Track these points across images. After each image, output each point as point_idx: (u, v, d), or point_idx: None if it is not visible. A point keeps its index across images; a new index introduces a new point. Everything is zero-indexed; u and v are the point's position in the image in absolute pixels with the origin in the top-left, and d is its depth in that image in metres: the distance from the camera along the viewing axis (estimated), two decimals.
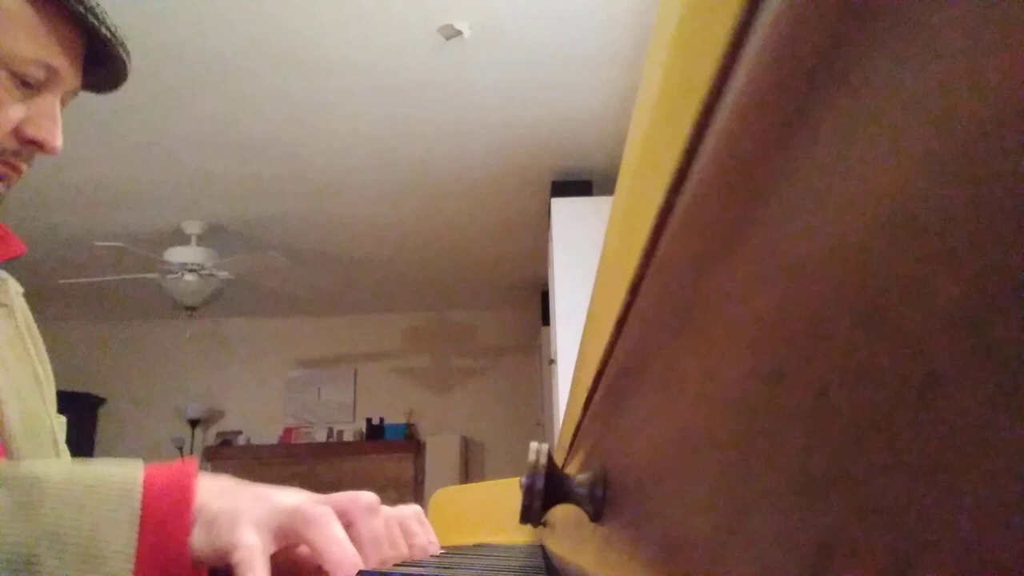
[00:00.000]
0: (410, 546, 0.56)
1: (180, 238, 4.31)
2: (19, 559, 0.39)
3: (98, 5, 0.64)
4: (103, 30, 0.65)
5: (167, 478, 0.44)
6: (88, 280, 4.57)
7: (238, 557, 0.40)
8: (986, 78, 0.08)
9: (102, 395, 5.93)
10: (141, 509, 0.42)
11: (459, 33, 2.68)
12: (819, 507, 0.11)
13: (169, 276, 4.24)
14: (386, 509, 0.54)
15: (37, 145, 0.65)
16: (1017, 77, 0.08)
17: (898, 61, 0.10)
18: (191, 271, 4.21)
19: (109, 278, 4.49)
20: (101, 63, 0.69)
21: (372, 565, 0.46)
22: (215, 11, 2.58)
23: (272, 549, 0.42)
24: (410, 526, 0.58)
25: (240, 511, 0.42)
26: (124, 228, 4.30)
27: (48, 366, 0.75)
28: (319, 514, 0.43)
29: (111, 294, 5.23)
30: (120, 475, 0.43)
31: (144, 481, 0.43)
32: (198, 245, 4.26)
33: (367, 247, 4.79)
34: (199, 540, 0.42)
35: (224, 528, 0.42)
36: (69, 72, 0.65)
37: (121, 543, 0.41)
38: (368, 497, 0.49)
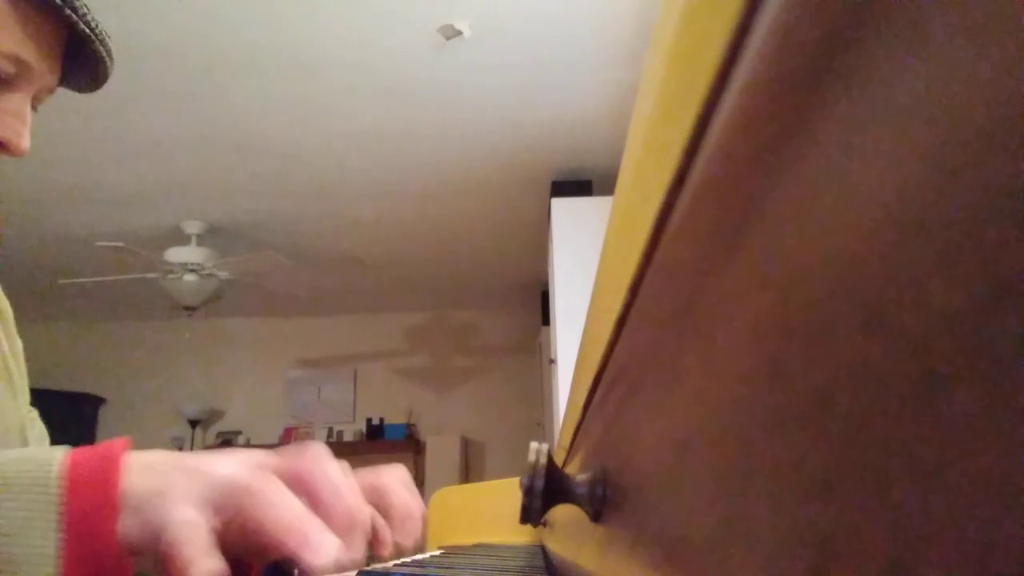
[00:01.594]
0: (388, 507, 0.49)
1: (180, 238, 4.31)
2: None
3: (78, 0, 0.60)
4: (81, 26, 0.61)
5: (90, 464, 0.39)
6: (88, 280, 4.57)
7: (171, 536, 0.35)
8: (986, 78, 0.08)
9: (102, 395, 5.93)
10: (61, 503, 0.37)
11: (459, 33, 2.68)
12: (819, 507, 0.11)
13: (169, 276, 4.24)
14: (359, 471, 0.47)
15: (0, 145, 0.60)
16: (1017, 77, 0.08)
17: (898, 61, 0.10)
18: (191, 271, 4.21)
19: (109, 278, 4.49)
20: (80, 60, 0.65)
21: (340, 523, 0.39)
22: (215, 11, 2.58)
23: (213, 525, 0.37)
24: (386, 486, 0.50)
25: (171, 490, 0.37)
26: (124, 228, 4.30)
27: (21, 357, 0.71)
28: (259, 481, 0.37)
29: (111, 294, 5.23)
30: (37, 467, 0.38)
31: (64, 470, 0.38)
32: (198, 245, 4.26)
33: (367, 247, 4.79)
34: (131, 529, 0.37)
35: (154, 511, 0.37)
36: (43, 68, 0.61)
37: (42, 543, 0.36)
38: (316, 446, 0.41)
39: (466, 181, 3.87)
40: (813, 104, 0.14)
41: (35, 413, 0.72)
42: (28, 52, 0.59)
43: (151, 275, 4.30)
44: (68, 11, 0.59)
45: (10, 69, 0.59)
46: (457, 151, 3.56)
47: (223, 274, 4.31)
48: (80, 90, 0.68)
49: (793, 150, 0.15)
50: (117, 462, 0.38)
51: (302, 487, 0.39)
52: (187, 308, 4.39)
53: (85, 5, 0.61)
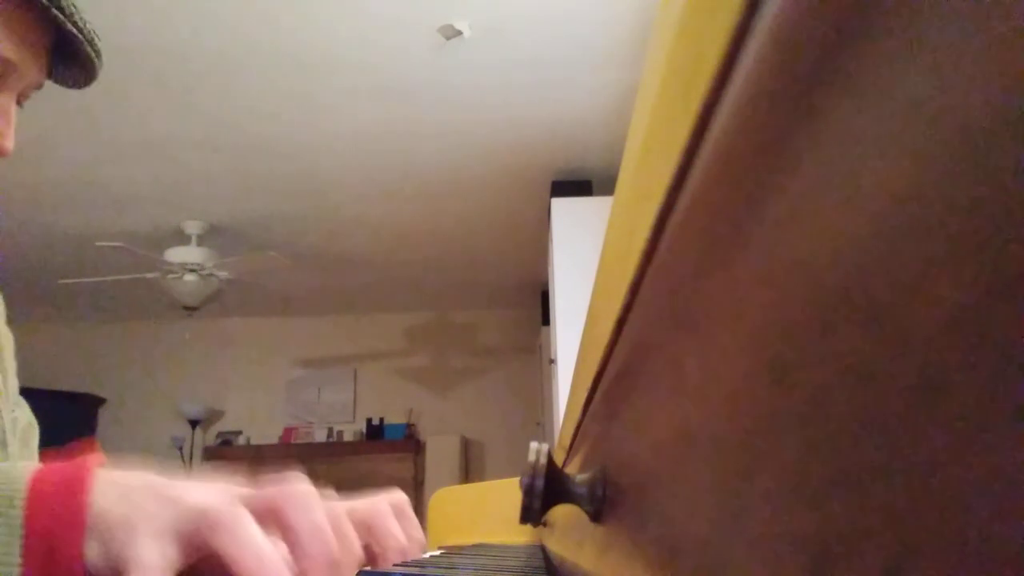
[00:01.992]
0: (384, 549, 0.47)
1: (180, 238, 4.31)
2: None
3: None
4: (68, 26, 0.60)
5: (58, 483, 0.37)
6: (88, 280, 4.57)
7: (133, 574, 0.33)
8: (987, 78, 0.08)
9: (102, 395, 5.93)
10: (24, 524, 0.35)
11: (459, 33, 2.68)
12: (819, 507, 0.11)
13: (169, 276, 4.24)
14: (354, 503, 0.46)
15: None
16: (1017, 77, 0.08)
17: (898, 60, 0.10)
18: (191, 271, 4.21)
19: (109, 278, 4.49)
20: (70, 58, 0.64)
21: (320, 569, 0.36)
22: (215, 11, 2.58)
23: (178, 562, 0.35)
24: (383, 524, 0.48)
25: (139, 519, 0.35)
26: (124, 228, 4.30)
27: (9, 351, 0.70)
28: (229, 516, 0.35)
29: (111, 294, 5.23)
30: (3, 485, 0.37)
31: (29, 489, 0.36)
32: (198, 245, 4.26)
33: (367, 247, 4.79)
34: (96, 556, 0.35)
35: (120, 541, 0.35)
36: (29, 67, 0.60)
37: (2, 565, 0.35)
38: (299, 484, 0.38)
39: (466, 181, 3.87)
40: (813, 104, 0.14)
41: (24, 407, 0.70)
42: (12, 52, 0.58)
43: (151, 275, 4.30)
44: (55, 11, 0.58)
45: None
46: (457, 151, 3.56)
47: (223, 274, 4.31)
48: (70, 86, 0.67)
49: (793, 150, 0.15)
50: (85, 483, 0.37)
51: (279, 524, 0.37)
52: (187, 308, 4.39)
53: (73, 4, 0.60)
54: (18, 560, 0.35)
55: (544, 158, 3.62)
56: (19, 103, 0.63)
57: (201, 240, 4.30)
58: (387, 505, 0.49)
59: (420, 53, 2.82)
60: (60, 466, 0.38)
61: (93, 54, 0.63)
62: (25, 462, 0.39)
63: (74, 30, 0.60)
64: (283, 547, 0.36)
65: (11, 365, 0.70)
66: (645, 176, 0.27)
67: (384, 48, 2.80)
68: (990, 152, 0.08)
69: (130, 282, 4.52)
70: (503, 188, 3.95)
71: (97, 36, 0.63)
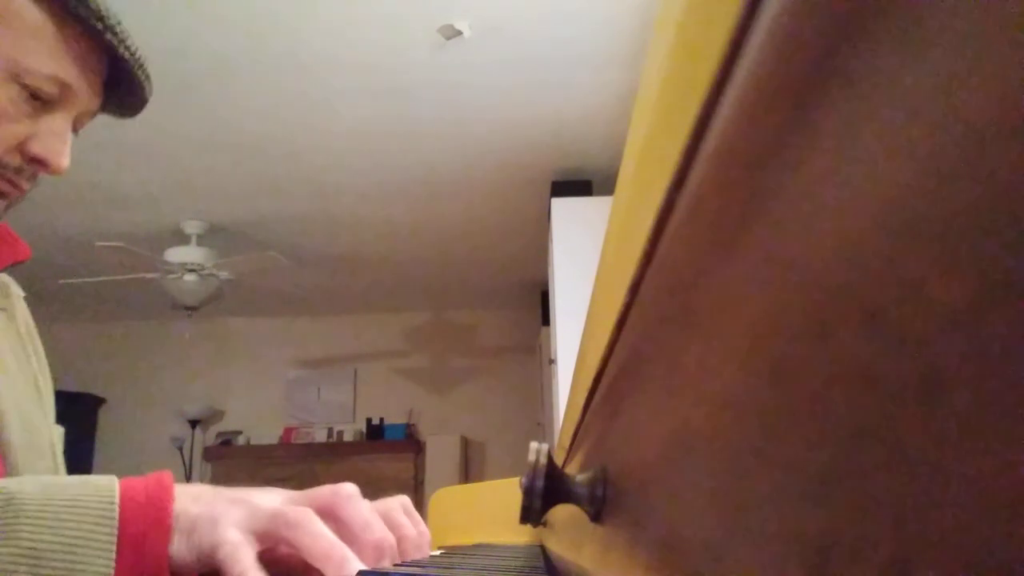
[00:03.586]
0: (398, 539, 0.52)
1: (180, 238, 4.31)
2: None
3: (119, 24, 0.62)
4: (122, 50, 0.63)
5: (144, 491, 0.43)
6: (88, 280, 4.57)
7: (224, 552, 0.40)
8: (987, 77, 0.08)
9: (102, 395, 5.92)
10: (119, 525, 0.41)
11: (459, 33, 2.68)
12: (819, 507, 0.11)
13: (169, 276, 4.24)
14: (369, 503, 0.51)
15: (40, 163, 0.63)
16: (1018, 76, 0.08)
17: (899, 60, 0.10)
18: (191, 271, 4.20)
19: (109, 278, 4.49)
20: (120, 85, 0.67)
21: (370, 552, 0.45)
22: (215, 11, 2.58)
23: (256, 548, 0.42)
24: (395, 518, 0.54)
25: (219, 514, 0.42)
26: (124, 228, 4.30)
27: (47, 373, 0.74)
28: (300, 514, 0.42)
29: (111, 294, 5.23)
30: (97, 491, 0.42)
31: (121, 496, 0.42)
32: (198, 245, 4.26)
33: (367, 247, 4.79)
34: (179, 548, 0.41)
35: (205, 532, 0.41)
36: (85, 92, 0.63)
37: (100, 562, 0.40)
38: (347, 487, 0.47)
39: (466, 181, 3.87)
40: (813, 104, 0.14)
41: (61, 431, 0.73)
42: (70, 75, 0.61)
43: (151, 275, 4.30)
44: (109, 36, 0.62)
45: (53, 90, 0.61)
46: (457, 151, 3.56)
47: (223, 274, 4.31)
48: (119, 115, 0.72)
49: (793, 150, 0.15)
50: (170, 489, 0.43)
51: (335, 521, 0.44)
52: (187, 308, 4.39)
53: (125, 30, 0.63)
54: (113, 552, 0.40)
55: (544, 158, 3.62)
56: (75, 130, 0.66)
57: (201, 240, 4.29)
58: (397, 504, 0.56)
59: (420, 53, 2.82)
60: (142, 478, 0.45)
61: (143, 79, 0.67)
62: (103, 475, 0.45)
63: (126, 54, 0.63)
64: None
65: (49, 386, 0.74)
66: (645, 176, 0.27)
67: (384, 48, 2.80)
68: (990, 152, 0.08)
69: (130, 282, 4.52)
70: (503, 188, 3.95)
71: (147, 61, 0.66)
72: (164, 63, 2.81)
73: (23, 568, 0.38)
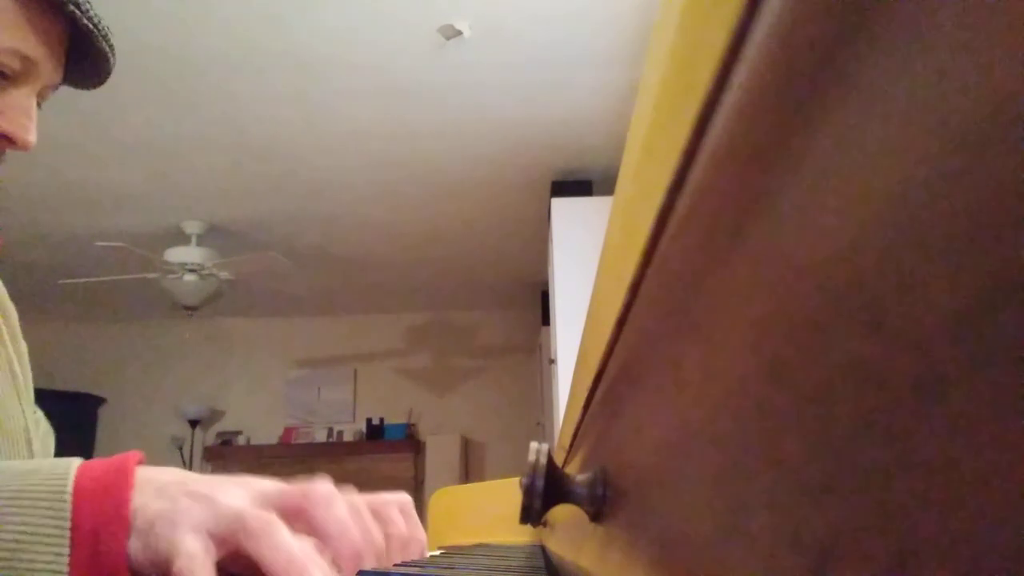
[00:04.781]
0: (387, 536, 0.48)
1: (180, 238, 4.31)
2: None
3: None
4: (84, 21, 0.61)
5: (101, 480, 0.39)
6: (88, 280, 4.57)
7: (179, 566, 0.36)
8: (987, 77, 0.08)
9: (102, 395, 5.92)
10: (71, 519, 0.37)
11: (459, 33, 2.68)
12: (819, 507, 0.11)
13: (169, 276, 4.24)
14: (361, 497, 0.48)
15: (7, 140, 0.61)
16: (1018, 76, 0.08)
17: (899, 60, 0.10)
18: (191, 271, 4.21)
19: (109, 278, 4.49)
20: (83, 57, 0.65)
21: (348, 557, 0.41)
22: (215, 11, 2.58)
23: (216, 555, 0.38)
24: (387, 512, 0.50)
25: (179, 513, 0.38)
26: (124, 228, 4.30)
27: (25, 359, 0.72)
28: (261, 522, 0.38)
29: (111, 294, 5.23)
30: (48, 480, 0.39)
31: (75, 485, 0.38)
32: (198, 245, 4.26)
33: (367, 247, 4.79)
34: (135, 547, 0.38)
35: (162, 534, 0.37)
36: (48, 64, 0.61)
37: (49, 558, 0.36)
38: (321, 486, 0.42)
39: (466, 181, 3.87)
40: (813, 104, 0.14)
41: (40, 414, 0.72)
42: (32, 48, 0.59)
43: (151, 275, 4.30)
44: (71, 7, 0.60)
45: (15, 65, 0.59)
46: (457, 151, 3.56)
47: (223, 274, 4.31)
48: (82, 87, 0.68)
49: (793, 150, 0.15)
50: (128, 479, 0.39)
51: (307, 522, 0.40)
52: (187, 308, 4.39)
53: (88, 1, 0.61)
54: (66, 550, 0.37)
55: (544, 158, 3.62)
56: (38, 104, 0.64)
57: (201, 240, 4.29)
58: (394, 499, 0.52)
59: (420, 53, 2.82)
60: (105, 460, 0.40)
61: (107, 49, 0.64)
62: (67, 458, 0.41)
63: (90, 25, 0.61)
64: (310, 541, 0.39)
65: (27, 371, 0.71)
66: (645, 176, 0.27)
67: (384, 48, 2.80)
68: (990, 152, 0.08)
69: (130, 282, 4.52)
70: (503, 188, 3.95)
71: (110, 32, 0.64)
72: (164, 63, 2.81)
73: None
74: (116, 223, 4.27)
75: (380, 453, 5.82)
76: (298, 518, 0.40)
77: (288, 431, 6.02)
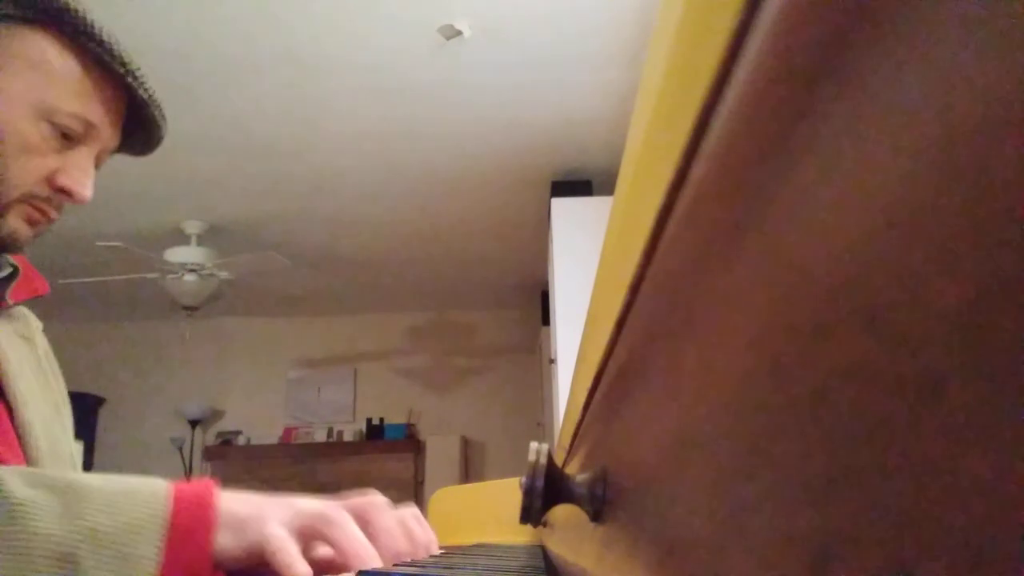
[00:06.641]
0: (411, 543, 0.59)
1: (180, 238, 4.31)
2: (62, 557, 0.43)
3: (139, 69, 0.69)
4: (140, 92, 0.70)
5: (192, 488, 0.49)
6: (88, 280, 4.57)
7: (273, 547, 0.46)
8: (987, 77, 0.08)
9: (102, 395, 5.92)
10: (168, 515, 0.46)
11: (459, 33, 2.68)
12: (819, 507, 0.11)
13: (169, 276, 4.24)
14: (394, 512, 0.58)
15: (67, 194, 0.69)
16: (1018, 76, 0.08)
17: (899, 61, 0.10)
18: (191, 271, 4.21)
19: (109, 278, 4.49)
20: (138, 126, 0.74)
21: (389, 555, 0.52)
22: (216, 11, 2.58)
23: (300, 545, 0.48)
24: (411, 526, 0.61)
25: (266, 513, 0.48)
26: (124, 228, 4.30)
27: (66, 396, 0.81)
28: (339, 516, 0.49)
29: (111, 294, 5.23)
30: (149, 484, 0.48)
31: (171, 490, 0.48)
32: (198, 245, 4.26)
33: (367, 247, 4.79)
34: (226, 542, 0.47)
35: (253, 528, 0.47)
36: (107, 129, 0.70)
37: (149, 547, 0.45)
38: (380, 498, 0.56)
39: (466, 181, 3.87)
40: (813, 104, 0.14)
41: (80, 447, 0.79)
42: (94, 114, 0.68)
43: (151, 275, 4.30)
44: (130, 79, 0.69)
45: (79, 128, 0.68)
46: (457, 151, 3.56)
47: (223, 274, 4.31)
48: (135, 154, 0.78)
49: (793, 150, 0.15)
50: (215, 488, 0.49)
51: (364, 526, 0.52)
52: (187, 308, 4.39)
53: (144, 75, 0.70)
54: (162, 547, 0.45)
55: (544, 158, 3.62)
56: (96, 166, 0.72)
57: (201, 240, 4.29)
58: (410, 513, 0.62)
59: (420, 53, 2.82)
60: (188, 482, 0.50)
61: (160, 119, 0.74)
62: (151, 477, 0.51)
63: (144, 96, 0.70)
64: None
65: (68, 408, 0.82)
66: (645, 176, 0.27)
67: (384, 48, 2.80)
68: (990, 152, 0.08)
69: (130, 282, 4.52)
70: (503, 188, 3.95)
71: (162, 104, 0.73)
72: (164, 63, 2.81)
73: (84, 547, 0.43)
74: (116, 223, 4.26)
75: (380, 453, 5.82)
76: (359, 521, 0.51)
77: (288, 431, 6.02)
